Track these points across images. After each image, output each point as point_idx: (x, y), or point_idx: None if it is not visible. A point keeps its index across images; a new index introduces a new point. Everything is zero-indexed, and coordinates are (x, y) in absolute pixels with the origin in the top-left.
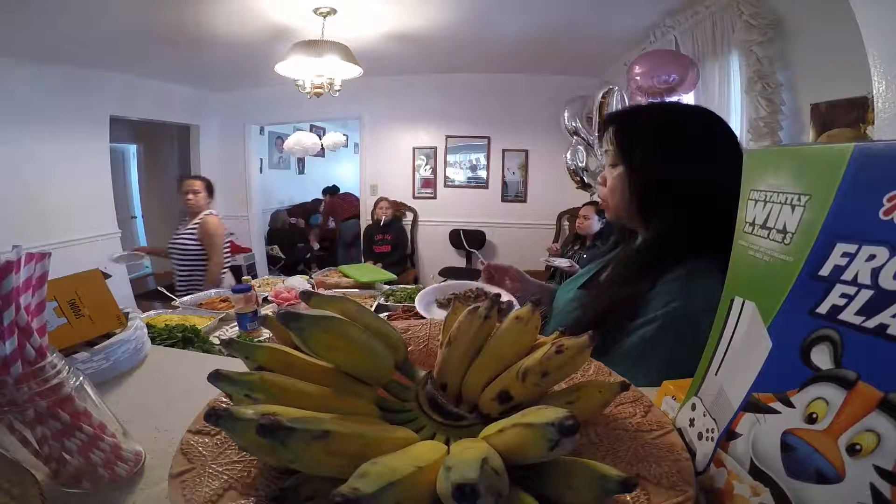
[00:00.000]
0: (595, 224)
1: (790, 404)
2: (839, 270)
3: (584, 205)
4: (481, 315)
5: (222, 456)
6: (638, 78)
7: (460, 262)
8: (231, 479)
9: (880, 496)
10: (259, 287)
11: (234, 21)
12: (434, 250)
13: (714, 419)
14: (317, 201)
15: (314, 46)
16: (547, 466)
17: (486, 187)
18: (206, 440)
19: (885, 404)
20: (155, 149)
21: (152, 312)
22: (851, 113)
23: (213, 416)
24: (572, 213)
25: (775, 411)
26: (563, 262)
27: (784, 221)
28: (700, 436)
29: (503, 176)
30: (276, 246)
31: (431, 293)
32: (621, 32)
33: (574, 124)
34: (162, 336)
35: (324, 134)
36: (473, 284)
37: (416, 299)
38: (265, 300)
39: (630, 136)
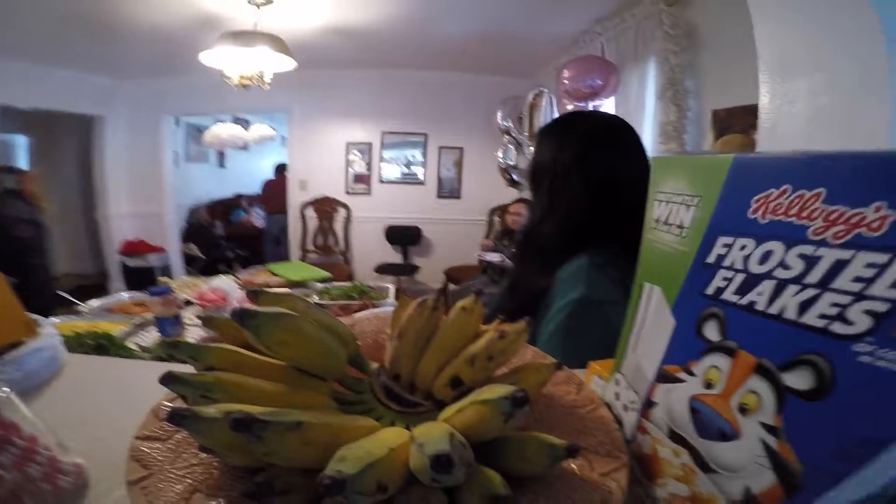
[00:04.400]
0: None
1: (692, 373)
2: (721, 258)
3: (514, 201)
4: (430, 307)
5: (179, 460)
6: (566, 81)
7: (396, 258)
8: (195, 482)
9: (769, 448)
10: (178, 289)
11: (159, 8)
12: (369, 247)
13: (635, 391)
14: (238, 196)
15: (245, 37)
16: (502, 442)
17: (423, 184)
18: (158, 445)
19: (759, 368)
20: (50, 141)
21: (54, 319)
22: (745, 119)
23: (177, 417)
24: (503, 210)
25: (681, 380)
26: (494, 257)
27: (681, 219)
28: (625, 408)
29: (439, 173)
30: (193, 245)
31: None
32: (554, 36)
33: (506, 124)
34: (71, 344)
35: (248, 125)
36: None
37: None
38: (187, 303)
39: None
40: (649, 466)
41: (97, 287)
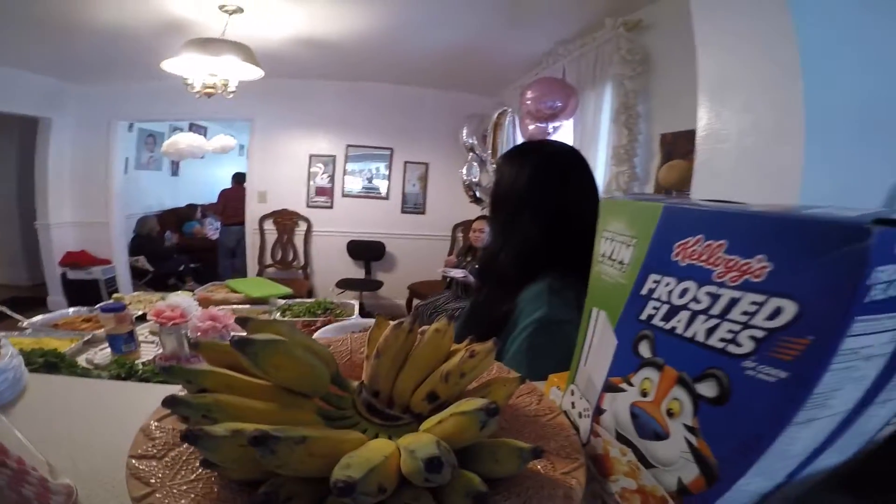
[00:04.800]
0: (487, 237)
1: (631, 384)
2: (651, 291)
3: (477, 218)
4: (406, 329)
5: (178, 476)
6: (529, 102)
7: (358, 273)
8: (199, 496)
9: (692, 445)
10: (130, 304)
11: (123, 10)
12: (330, 261)
13: (588, 400)
14: (192, 206)
15: (211, 45)
16: (477, 448)
17: (387, 198)
18: (155, 463)
19: (680, 380)
20: None
21: None
22: (689, 144)
23: (192, 437)
24: (466, 226)
25: (623, 390)
26: (457, 273)
27: (622, 256)
28: (580, 415)
29: (404, 187)
30: (141, 257)
31: (332, 332)
32: (519, 56)
33: (471, 141)
34: None
35: (206, 133)
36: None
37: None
38: (140, 318)
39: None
40: (602, 465)
41: (34, 300)
